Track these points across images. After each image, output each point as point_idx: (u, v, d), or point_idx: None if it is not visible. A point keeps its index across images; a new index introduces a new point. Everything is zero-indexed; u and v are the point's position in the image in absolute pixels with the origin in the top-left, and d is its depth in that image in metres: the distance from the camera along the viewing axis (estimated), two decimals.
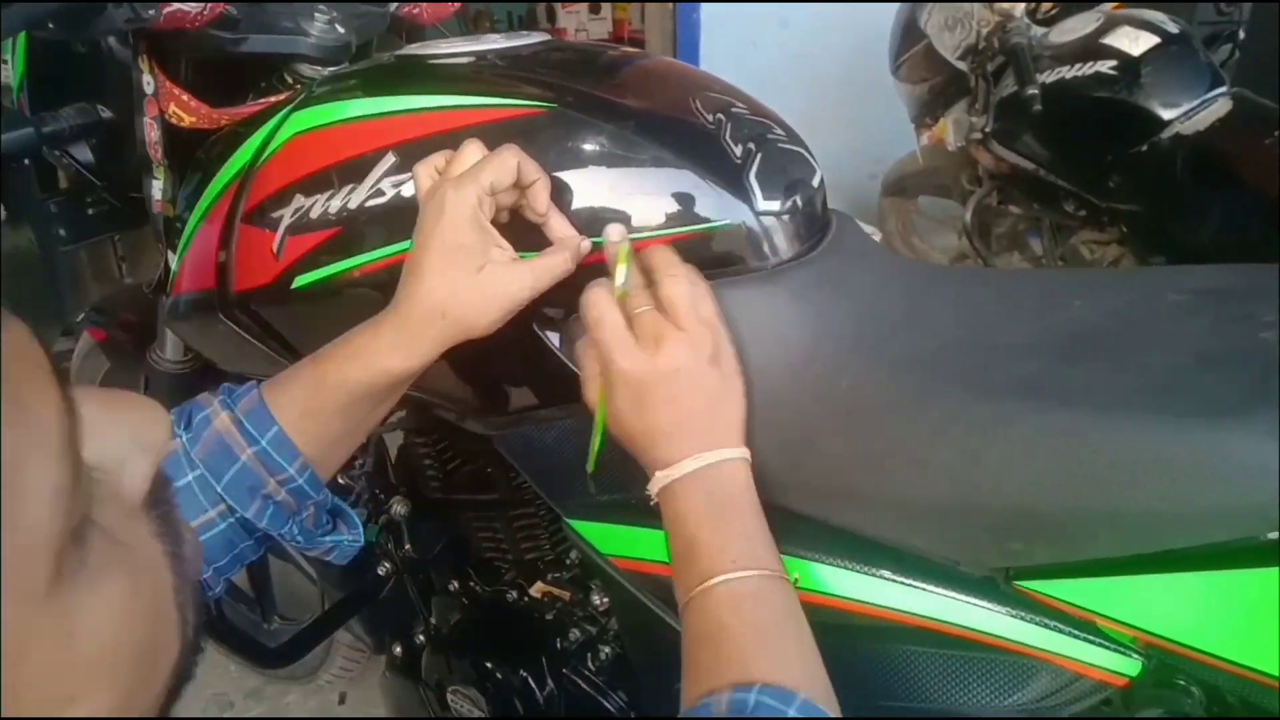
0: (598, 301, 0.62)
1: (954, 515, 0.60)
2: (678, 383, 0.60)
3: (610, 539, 0.74)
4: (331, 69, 0.89)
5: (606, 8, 3.13)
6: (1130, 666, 0.57)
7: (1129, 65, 1.73)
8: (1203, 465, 0.51)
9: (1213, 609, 0.52)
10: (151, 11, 0.72)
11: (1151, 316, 0.64)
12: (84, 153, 1.04)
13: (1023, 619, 0.58)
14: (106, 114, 0.98)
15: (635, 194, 0.68)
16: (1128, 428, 0.54)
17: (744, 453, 0.62)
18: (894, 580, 0.62)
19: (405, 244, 0.70)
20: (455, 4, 1.10)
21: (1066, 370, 0.60)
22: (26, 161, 1.08)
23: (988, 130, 1.97)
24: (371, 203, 0.71)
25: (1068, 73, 1.79)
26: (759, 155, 0.71)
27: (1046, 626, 0.58)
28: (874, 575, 0.62)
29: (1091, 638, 0.57)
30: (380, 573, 1.03)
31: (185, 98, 0.87)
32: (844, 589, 0.63)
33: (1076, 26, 1.86)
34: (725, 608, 0.55)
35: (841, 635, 0.66)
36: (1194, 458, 0.52)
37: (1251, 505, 0.50)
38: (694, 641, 0.56)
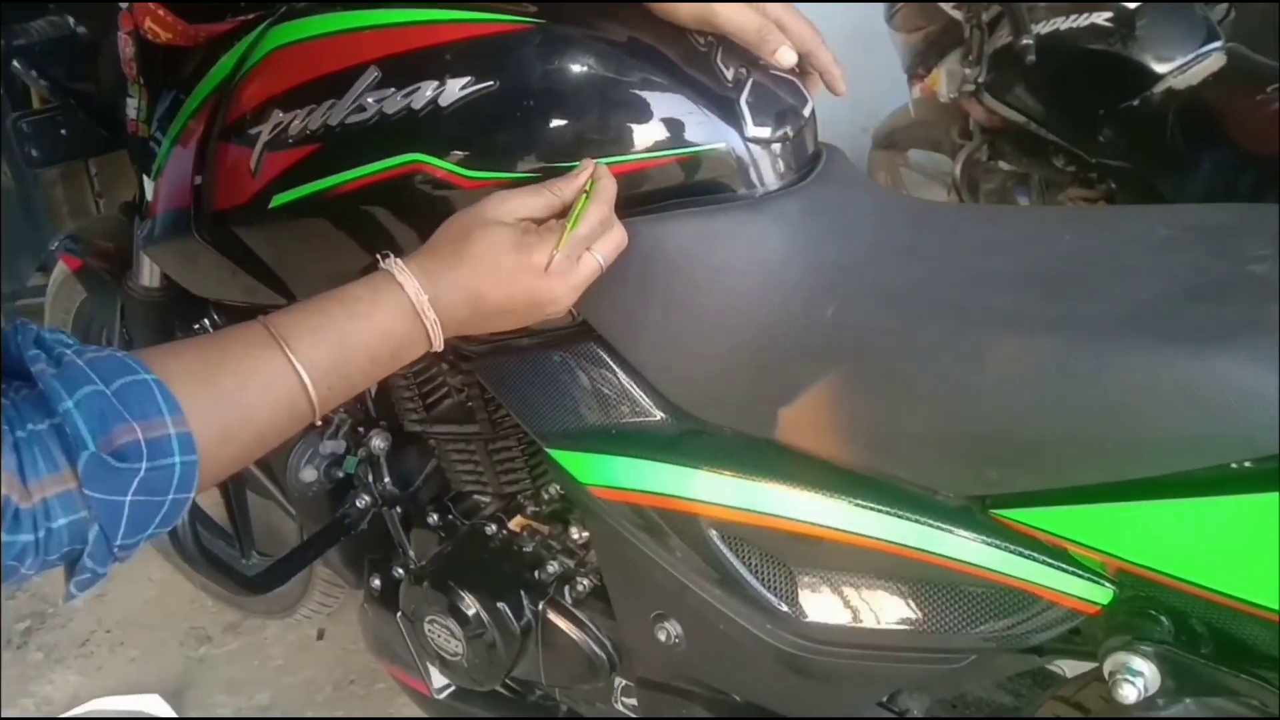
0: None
1: (934, 443, 0.60)
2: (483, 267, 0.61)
3: (588, 468, 0.74)
4: None
5: None
6: (1102, 594, 0.57)
7: (1124, 17, 1.71)
8: (1181, 393, 0.51)
9: (1186, 536, 0.52)
10: None
11: (1140, 251, 0.64)
12: (57, 69, 1.01)
13: (997, 547, 0.59)
14: (80, 28, 0.96)
15: (623, 116, 0.67)
16: (1110, 356, 0.54)
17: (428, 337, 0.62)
18: (870, 508, 0.62)
19: (386, 161, 0.69)
20: None
21: (1052, 301, 0.60)
22: None
23: (981, 81, 1.95)
24: (352, 119, 0.69)
25: (1063, 24, 1.77)
26: (750, 81, 0.69)
27: (1020, 555, 0.58)
28: (851, 502, 0.62)
29: (1065, 565, 0.57)
30: (359, 505, 1.02)
31: (161, 13, 0.84)
32: (820, 516, 0.64)
33: None
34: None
35: (817, 561, 0.66)
36: (1173, 386, 0.52)
37: (1228, 433, 0.50)
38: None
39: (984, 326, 0.59)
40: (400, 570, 1.04)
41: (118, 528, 0.48)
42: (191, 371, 0.52)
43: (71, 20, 0.94)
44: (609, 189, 0.64)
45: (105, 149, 1.05)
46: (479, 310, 0.62)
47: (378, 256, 0.62)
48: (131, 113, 0.91)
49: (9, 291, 2.06)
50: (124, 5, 0.86)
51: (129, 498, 0.48)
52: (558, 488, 0.92)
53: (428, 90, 0.67)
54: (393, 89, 0.68)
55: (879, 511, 0.61)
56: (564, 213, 0.64)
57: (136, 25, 0.85)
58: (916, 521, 0.60)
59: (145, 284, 1.07)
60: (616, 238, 0.65)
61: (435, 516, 1.02)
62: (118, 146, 1.01)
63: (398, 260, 0.61)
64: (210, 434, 0.51)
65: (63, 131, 1.03)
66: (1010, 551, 0.59)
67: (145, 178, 0.92)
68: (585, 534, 0.90)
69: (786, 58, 0.67)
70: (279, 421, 0.57)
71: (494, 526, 0.97)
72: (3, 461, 0.44)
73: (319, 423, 0.60)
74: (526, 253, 0.61)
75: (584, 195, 0.63)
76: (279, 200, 0.74)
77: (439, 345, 0.62)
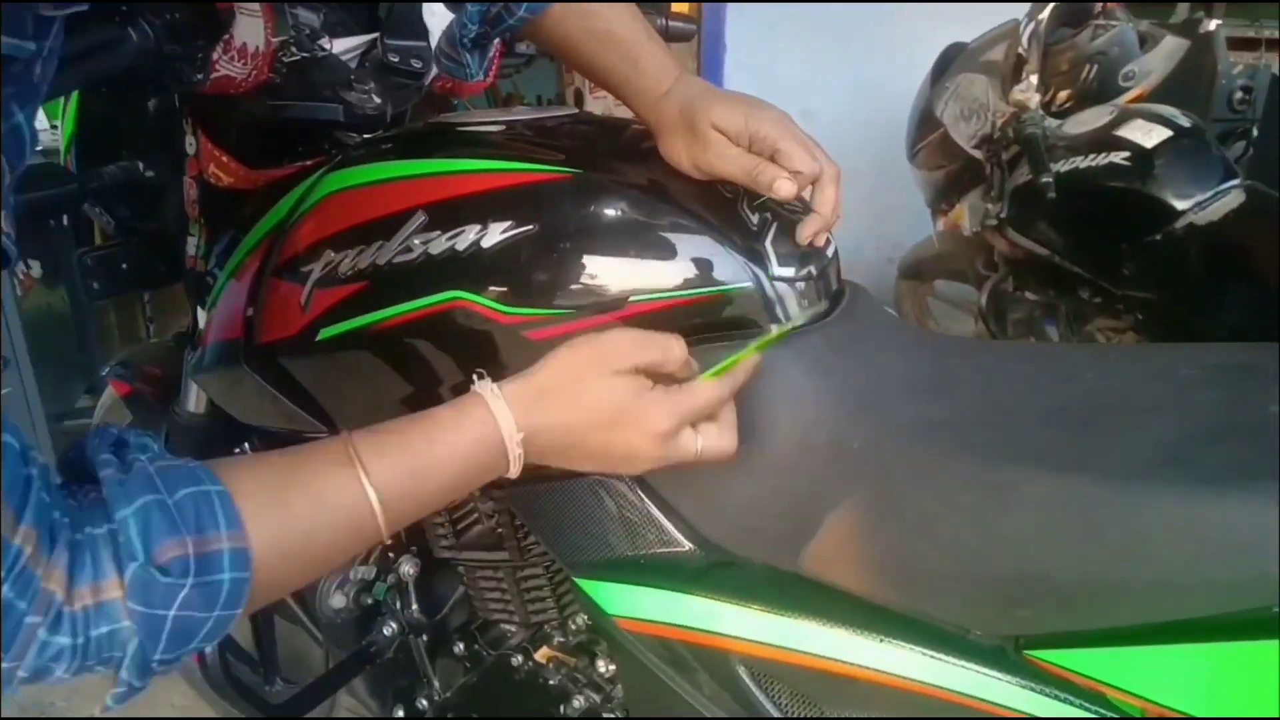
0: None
1: (964, 581, 0.60)
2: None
3: (616, 599, 0.74)
4: (367, 134, 0.93)
5: None
6: None
7: (1142, 156, 1.77)
8: (1212, 535, 0.51)
9: (1222, 681, 0.51)
10: (200, 76, 0.76)
11: (1166, 390, 0.65)
12: (123, 210, 1.08)
13: (1032, 689, 0.57)
14: (149, 173, 1.03)
15: (654, 257, 0.70)
16: (1138, 497, 0.54)
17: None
18: (902, 646, 0.61)
19: (430, 298, 0.73)
20: (486, 81, 1.14)
21: (1079, 440, 0.61)
22: (65, 219, 1.13)
23: (1003, 217, 2.00)
24: (400, 259, 0.73)
25: (1082, 163, 1.83)
26: (775, 224, 0.73)
27: (1056, 698, 0.57)
28: (882, 640, 0.61)
29: (1102, 710, 0.56)
30: (386, 633, 1.02)
31: (225, 159, 0.91)
32: (851, 654, 0.63)
33: (1090, 119, 1.91)
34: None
35: (848, 701, 0.65)
36: (1204, 528, 0.52)
37: (1261, 576, 0.49)
38: None
39: (1012, 464, 0.59)
40: (425, 701, 1.03)
41: (158, 642, 0.48)
42: (262, 484, 0.53)
43: (141, 165, 1.01)
44: (739, 378, 0.64)
45: (161, 283, 1.10)
46: (565, 452, 0.62)
47: (474, 376, 0.61)
48: (191, 250, 0.96)
49: (56, 412, 2.12)
50: (191, 152, 0.92)
51: (172, 612, 0.48)
52: (585, 618, 0.92)
53: (471, 233, 0.71)
54: (438, 232, 0.72)
55: (911, 650, 0.60)
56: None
57: (202, 170, 0.92)
58: (949, 661, 0.59)
59: (191, 410, 1.11)
60: (726, 441, 0.63)
61: (461, 645, 1.01)
62: (172, 280, 1.06)
63: (493, 385, 0.60)
64: (271, 550, 0.51)
65: (123, 266, 1.08)
66: (1045, 694, 0.57)
67: (199, 310, 0.97)
68: (612, 667, 0.88)
69: (784, 189, 0.70)
70: (344, 542, 0.56)
71: (520, 657, 0.96)
72: (54, 558, 0.45)
73: (388, 540, 0.60)
74: (641, 411, 0.60)
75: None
76: (326, 333, 0.78)
77: (515, 474, 0.61)
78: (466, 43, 0.89)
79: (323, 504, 0.54)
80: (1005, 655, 0.59)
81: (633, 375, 0.61)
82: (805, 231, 0.72)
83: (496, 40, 0.95)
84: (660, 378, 0.63)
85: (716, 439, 0.63)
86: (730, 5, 3.00)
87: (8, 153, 0.47)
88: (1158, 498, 0.54)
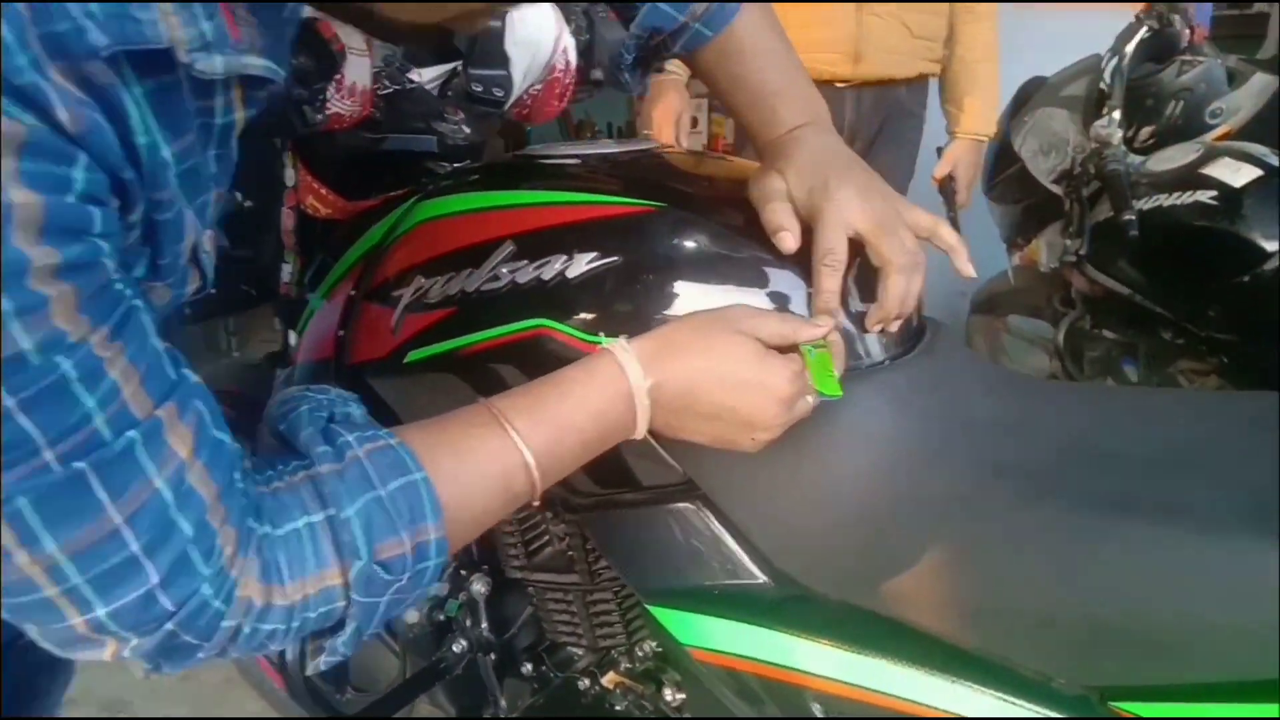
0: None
1: (1048, 628, 0.59)
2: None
3: (689, 628, 0.75)
4: (456, 164, 0.96)
5: (703, 122, 3.26)
6: None
7: (1230, 196, 1.72)
8: None
9: None
10: (320, 116, 0.80)
11: (1256, 437, 0.63)
12: (220, 237, 1.13)
13: None
14: (248, 203, 1.08)
15: (735, 291, 0.71)
16: (1232, 546, 0.53)
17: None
18: (981, 690, 0.60)
19: (515, 325, 0.75)
20: (559, 106, 1.17)
21: (1167, 486, 0.60)
22: None
23: (1082, 254, 1.96)
24: (487, 286, 0.76)
25: (1166, 200, 1.79)
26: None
27: None
28: (961, 684, 0.61)
29: None
30: (455, 650, 1.04)
31: (324, 191, 0.95)
32: (928, 695, 0.62)
33: (1175, 156, 1.86)
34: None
35: None
36: None
37: None
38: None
39: (1099, 509, 0.58)
40: None
41: (371, 621, 0.53)
42: (437, 460, 0.55)
43: (240, 195, 1.05)
44: (838, 353, 0.66)
45: (248, 306, 1.14)
46: (691, 408, 0.62)
47: (600, 336, 0.65)
48: (286, 276, 1.00)
49: None
50: (290, 184, 0.97)
51: (385, 598, 0.52)
52: (653, 645, 0.92)
53: (557, 263, 0.73)
54: (525, 261, 0.74)
55: (990, 694, 0.60)
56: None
57: (300, 201, 0.96)
58: (1028, 708, 0.58)
59: None
60: (809, 406, 0.65)
61: (529, 666, 1.02)
62: (258, 304, 1.11)
63: (623, 341, 0.62)
64: (454, 523, 0.54)
65: (213, 291, 1.12)
66: None
67: (291, 333, 1.01)
68: (681, 696, 0.88)
69: (784, 242, 0.70)
70: (496, 502, 0.58)
71: (587, 681, 0.97)
72: (248, 560, 0.48)
73: (537, 503, 0.62)
74: (766, 371, 0.61)
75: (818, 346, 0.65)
76: (414, 356, 0.80)
77: (641, 433, 0.63)
78: (626, 64, 0.93)
79: (474, 465, 0.57)
80: (1089, 704, 0.58)
81: (754, 340, 0.63)
82: (868, 320, 0.71)
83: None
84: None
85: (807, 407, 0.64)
86: None
87: (218, 175, 0.52)
88: (1252, 547, 0.53)
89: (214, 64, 0.42)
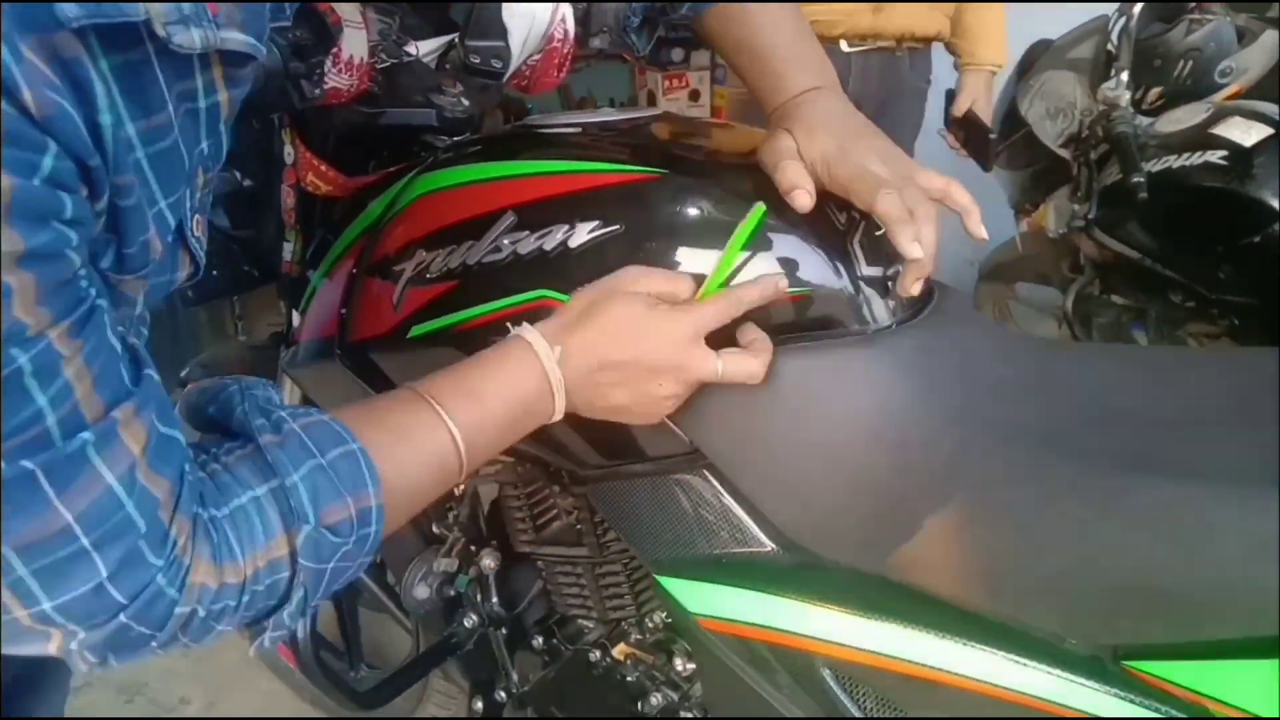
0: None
1: (1061, 589, 0.59)
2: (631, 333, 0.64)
3: (698, 597, 0.75)
4: (456, 137, 0.95)
5: (705, 95, 3.23)
6: None
7: (1241, 155, 1.69)
8: None
9: None
10: (318, 91, 0.79)
11: (1269, 395, 0.62)
12: (220, 218, 1.12)
13: (1130, 700, 0.56)
14: (246, 182, 1.07)
15: (739, 255, 0.70)
16: (1246, 504, 0.52)
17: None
18: (994, 653, 0.60)
19: (517, 297, 0.74)
20: (558, 77, 1.15)
21: (1181, 446, 0.59)
22: None
23: (1090, 218, 1.94)
24: (489, 258, 0.75)
25: (1175, 162, 1.76)
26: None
27: (1156, 711, 0.55)
28: (972, 646, 0.61)
29: None
30: (467, 625, 1.04)
31: (324, 168, 0.94)
32: (940, 659, 0.62)
33: (1184, 117, 1.83)
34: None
35: (936, 707, 0.64)
36: None
37: None
38: None
39: (1113, 470, 0.58)
40: (503, 694, 1.05)
41: (318, 590, 0.53)
42: (368, 436, 0.55)
43: (239, 174, 1.05)
44: (750, 294, 0.66)
45: (251, 287, 1.14)
46: (599, 371, 0.64)
47: (507, 325, 0.67)
48: (287, 255, 1.00)
49: None
50: (289, 162, 0.96)
51: (331, 565, 0.53)
52: (662, 616, 0.92)
53: (558, 233, 0.72)
54: (527, 232, 0.73)
55: (1002, 656, 0.59)
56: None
57: (299, 179, 0.95)
58: (1043, 670, 0.58)
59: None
60: (751, 366, 0.65)
61: (540, 640, 1.03)
62: (261, 284, 1.10)
63: (526, 324, 0.65)
64: (390, 496, 0.55)
65: (215, 273, 1.11)
66: (1143, 706, 0.56)
67: (294, 311, 1.01)
68: (691, 666, 0.89)
69: (798, 201, 0.69)
70: (429, 481, 0.60)
71: (598, 653, 0.97)
72: (199, 545, 0.48)
73: (462, 485, 0.64)
74: (657, 318, 0.64)
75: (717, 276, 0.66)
76: (417, 331, 0.80)
77: (559, 410, 0.65)
78: (632, 26, 0.93)
79: (410, 445, 0.58)
80: (1101, 665, 0.57)
81: (643, 294, 0.65)
82: (905, 280, 0.69)
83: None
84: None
85: (739, 361, 0.65)
86: None
87: (207, 159, 0.51)
88: (1266, 506, 0.52)
89: (191, 38, 0.41)
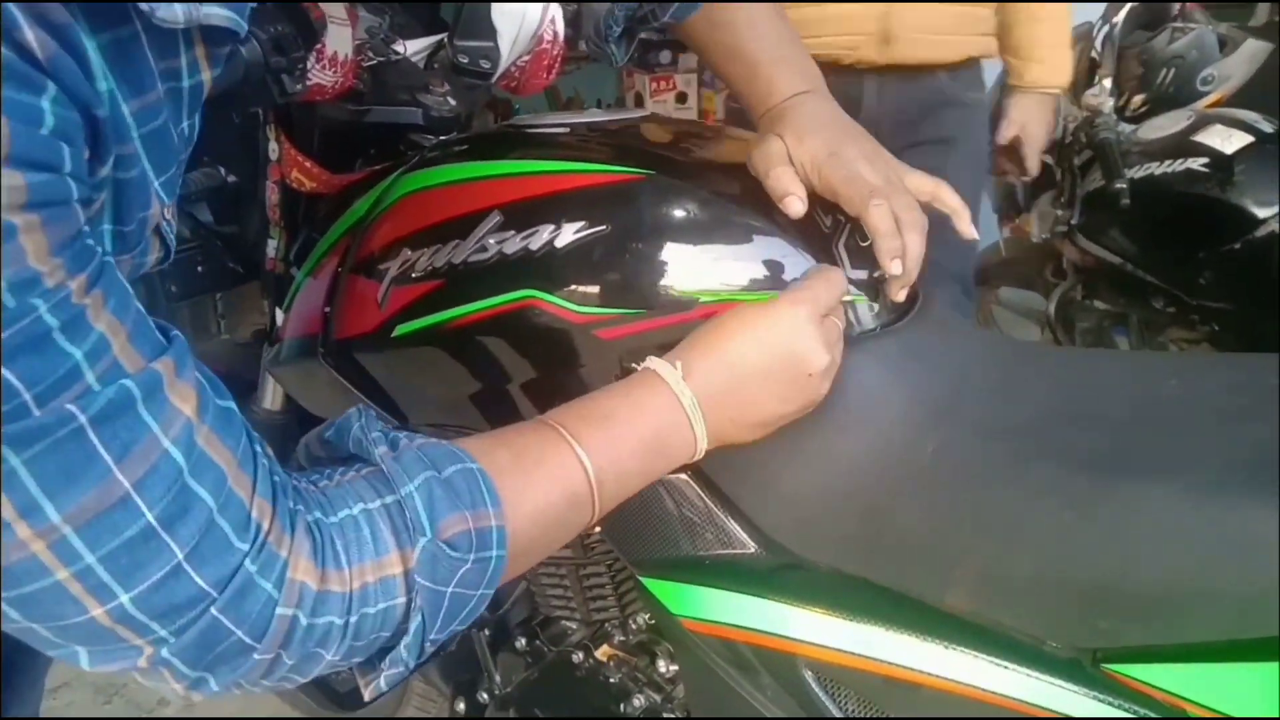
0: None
1: (1041, 591, 0.59)
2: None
3: (681, 599, 0.75)
4: (442, 136, 0.95)
5: (692, 98, 3.23)
6: None
7: (1222, 162, 1.71)
8: None
9: None
10: (299, 86, 0.78)
11: (1249, 399, 0.63)
12: (204, 213, 1.11)
13: (1108, 703, 0.56)
14: (231, 178, 1.06)
15: (726, 258, 0.70)
16: (1226, 506, 0.53)
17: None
18: (974, 655, 0.60)
19: (503, 297, 0.74)
20: (547, 79, 1.15)
21: (1162, 448, 0.59)
22: None
23: (1073, 223, 1.96)
24: (474, 258, 0.75)
25: (1157, 169, 1.78)
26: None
27: (1134, 713, 0.56)
28: (953, 648, 0.61)
29: None
30: None
31: (309, 165, 0.93)
32: (921, 662, 0.62)
33: (1166, 124, 1.85)
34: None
35: (917, 709, 0.64)
36: None
37: None
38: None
39: (1093, 472, 0.58)
40: (485, 695, 1.04)
41: (436, 619, 0.48)
42: (500, 463, 0.52)
43: (223, 170, 1.04)
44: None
45: (235, 284, 1.13)
46: (744, 388, 0.62)
47: (631, 366, 0.65)
48: (271, 252, 0.99)
49: None
50: (274, 158, 0.95)
51: (450, 589, 0.48)
52: (646, 618, 0.92)
53: (544, 233, 0.72)
54: (513, 231, 0.73)
55: (981, 659, 0.60)
56: None
57: (284, 176, 0.95)
58: (1021, 671, 0.58)
59: (268, 407, 1.14)
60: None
61: (523, 641, 1.02)
62: (245, 281, 1.09)
63: (654, 357, 0.63)
64: (520, 528, 0.51)
65: (199, 269, 1.10)
66: (1122, 708, 0.56)
67: (277, 309, 1.00)
68: (674, 667, 0.89)
69: (791, 207, 0.69)
70: (556, 511, 0.55)
71: (581, 655, 0.97)
72: (296, 542, 0.43)
73: (598, 529, 0.61)
74: (775, 311, 0.63)
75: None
76: (401, 330, 0.80)
77: (700, 434, 0.61)
78: (613, 35, 0.92)
79: (544, 479, 0.54)
80: (1080, 667, 0.58)
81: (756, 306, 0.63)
82: (891, 289, 0.70)
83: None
84: None
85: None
86: None
87: (185, 140, 0.49)
88: (1246, 508, 0.52)
89: (174, 13, 0.40)
